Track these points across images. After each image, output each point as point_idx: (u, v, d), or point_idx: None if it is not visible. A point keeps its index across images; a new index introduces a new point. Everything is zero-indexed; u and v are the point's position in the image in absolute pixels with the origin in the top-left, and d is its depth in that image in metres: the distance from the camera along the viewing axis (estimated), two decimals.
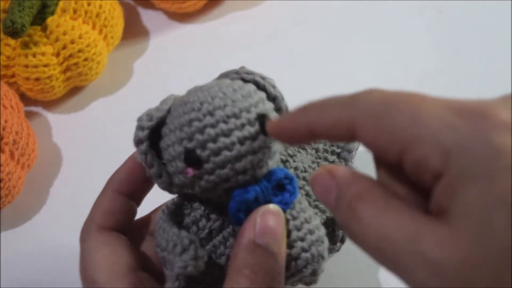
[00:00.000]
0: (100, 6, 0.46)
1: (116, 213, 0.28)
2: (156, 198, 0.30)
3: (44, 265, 0.39)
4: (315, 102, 0.22)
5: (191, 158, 0.24)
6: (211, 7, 0.52)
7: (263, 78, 0.27)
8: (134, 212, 0.29)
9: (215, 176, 0.24)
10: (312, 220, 0.26)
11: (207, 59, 0.49)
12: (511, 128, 0.18)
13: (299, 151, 0.30)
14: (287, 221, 0.25)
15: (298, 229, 0.26)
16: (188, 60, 0.49)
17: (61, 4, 0.45)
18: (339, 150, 0.31)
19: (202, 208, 0.27)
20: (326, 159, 0.30)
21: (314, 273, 0.26)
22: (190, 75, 0.47)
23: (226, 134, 0.24)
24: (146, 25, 0.52)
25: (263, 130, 0.24)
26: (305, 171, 0.29)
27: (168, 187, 0.27)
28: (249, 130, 0.24)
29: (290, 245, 0.25)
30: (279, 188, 0.25)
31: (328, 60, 0.47)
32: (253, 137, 0.24)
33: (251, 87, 0.26)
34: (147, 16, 0.52)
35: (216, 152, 0.24)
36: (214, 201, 0.26)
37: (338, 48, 0.48)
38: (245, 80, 0.27)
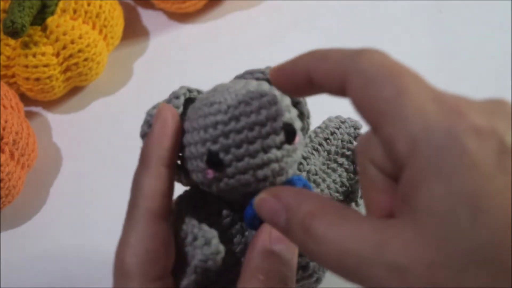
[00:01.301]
0: (100, 6, 0.46)
1: (165, 193, 0.25)
2: None
3: (44, 265, 0.39)
4: (318, 50, 0.22)
5: (213, 161, 0.24)
6: (211, 7, 0.52)
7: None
8: (174, 186, 0.26)
9: (235, 180, 0.24)
10: None
11: (207, 59, 0.49)
12: (483, 134, 0.18)
13: (312, 153, 0.30)
14: None
15: None
16: (188, 60, 0.49)
17: (61, 4, 0.45)
18: (349, 153, 0.31)
19: (214, 205, 0.27)
20: (335, 161, 0.30)
21: (318, 281, 0.27)
22: (190, 75, 0.47)
23: (251, 141, 0.24)
24: (146, 25, 0.52)
25: (288, 140, 0.24)
26: (316, 174, 0.29)
27: (183, 180, 0.27)
28: (274, 139, 0.24)
29: (299, 254, 0.25)
30: None
31: None
32: (277, 146, 0.24)
33: (277, 92, 0.25)
34: (147, 16, 0.52)
35: (239, 158, 0.24)
36: (230, 202, 0.26)
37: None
38: (270, 82, 0.27)
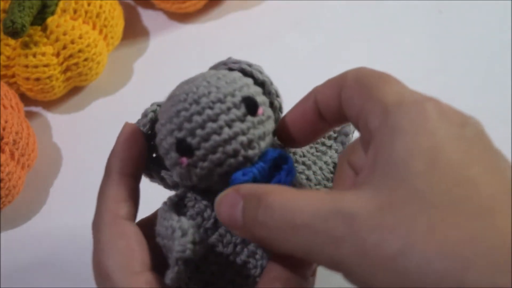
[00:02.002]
0: (100, 6, 0.46)
1: (127, 198, 0.26)
2: (154, 198, 0.30)
3: (44, 265, 0.39)
4: (316, 86, 0.25)
5: (183, 147, 0.25)
6: (211, 7, 0.52)
7: (250, 65, 0.28)
8: (139, 195, 0.28)
9: (208, 161, 0.25)
10: None
11: (207, 59, 0.48)
12: (448, 113, 0.20)
13: None
14: None
15: None
16: (188, 60, 0.49)
17: (61, 4, 0.45)
18: (335, 135, 0.31)
19: (206, 199, 0.27)
20: (323, 144, 0.31)
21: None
22: (190, 75, 0.47)
23: (213, 119, 0.24)
24: (146, 25, 0.52)
25: (250, 112, 0.25)
26: (304, 156, 0.29)
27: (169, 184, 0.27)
28: (235, 112, 0.25)
29: None
30: (276, 169, 0.25)
31: (328, 60, 0.47)
32: (240, 119, 0.25)
33: (236, 74, 0.26)
34: (147, 16, 0.52)
35: (206, 138, 0.24)
36: (217, 191, 0.27)
37: (338, 48, 0.48)
38: (231, 69, 0.28)
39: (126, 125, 0.28)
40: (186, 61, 0.49)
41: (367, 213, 0.19)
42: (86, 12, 0.45)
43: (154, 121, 0.28)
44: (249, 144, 0.25)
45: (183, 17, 0.51)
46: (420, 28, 0.48)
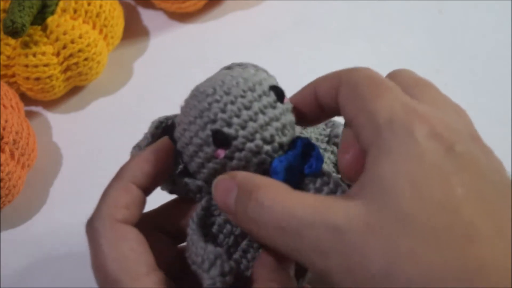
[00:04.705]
0: (100, 6, 0.46)
1: (130, 206, 0.26)
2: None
3: (44, 265, 0.39)
4: (322, 75, 0.26)
5: (220, 139, 0.24)
6: (211, 7, 0.52)
7: (256, 67, 0.28)
8: (144, 207, 0.28)
9: (246, 150, 0.24)
10: None
11: (207, 59, 0.49)
12: (437, 136, 0.20)
13: (302, 133, 0.31)
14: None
15: None
16: (188, 60, 0.49)
17: (61, 4, 0.45)
18: (327, 139, 0.31)
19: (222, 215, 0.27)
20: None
21: None
22: (190, 75, 0.47)
23: (247, 106, 0.25)
24: (146, 25, 0.52)
25: (279, 98, 0.25)
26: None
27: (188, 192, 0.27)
28: (267, 99, 0.25)
29: None
30: (304, 157, 0.26)
31: (328, 60, 0.47)
32: (272, 106, 0.25)
33: (251, 69, 0.27)
34: (147, 16, 0.52)
35: (243, 126, 0.24)
36: None
37: (338, 48, 0.48)
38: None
39: (164, 140, 0.27)
40: (186, 61, 0.49)
41: (354, 230, 0.19)
42: (86, 12, 0.45)
43: (162, 132, 0.28)
44: (282, 130, 0.25)
45: (183, 17, 0.51)
46: (420, 28, 0.48)
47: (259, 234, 0.22)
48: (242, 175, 0.24)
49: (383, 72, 0.46)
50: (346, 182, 0.25)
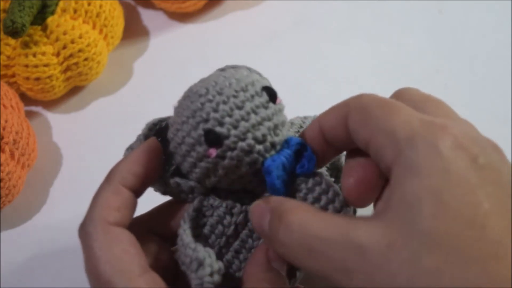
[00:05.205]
0: (100, 6, 0.46)
1: (121, 208, 0.26)
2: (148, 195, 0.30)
3: (44, 265, 0.39)
4: (319, 115, 0.26)
5: (212, 138, 0.25)
6: (211, 7, 0.52)
7: (249, 69, 0.28)
8: (135, 209, 0.28)
9: (237, 150, 0.25)
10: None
11: (207, 59, 0.49)
12: (460, 147, 0.20)
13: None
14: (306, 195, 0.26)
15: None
16: (188, 60, 0.49)
17: (61, 4, 0.45)
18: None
19: (224, 204, 0.27)
20: None
21: None
22: (190, 75, 0.47)
23: (240, 106, 0.25)
24: (146, 25, 0.52)
25: (271, 99, 0.26)
26: None
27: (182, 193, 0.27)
28: (259, 99, 0.25)
29: None
30: (297, 157, 0.26)
31: (328, 60, 0.47)
32: (264, 106, 0.25)
33: (244, 70, 0.27)
34: (147, 16, 0.52)
35: (235, 125, 0.24)
36: (236, 191, 0.27)
37: (338, 48, 0.48)
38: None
39: (151, 140, 0.28)
40: (186, 61, 0.49)
41: (377, 249, 0.19)
42: (86, 12, 0.45)
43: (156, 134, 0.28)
44: (274, 130, 0.25)
45: (183, 17, 0.51)
46: (420, 28, 0.48)
47: (290, 256, 0.22)
48: (275, 200, 0.24)
49: (383, 72, 0.46)
50: (351, 206, 0.25)
